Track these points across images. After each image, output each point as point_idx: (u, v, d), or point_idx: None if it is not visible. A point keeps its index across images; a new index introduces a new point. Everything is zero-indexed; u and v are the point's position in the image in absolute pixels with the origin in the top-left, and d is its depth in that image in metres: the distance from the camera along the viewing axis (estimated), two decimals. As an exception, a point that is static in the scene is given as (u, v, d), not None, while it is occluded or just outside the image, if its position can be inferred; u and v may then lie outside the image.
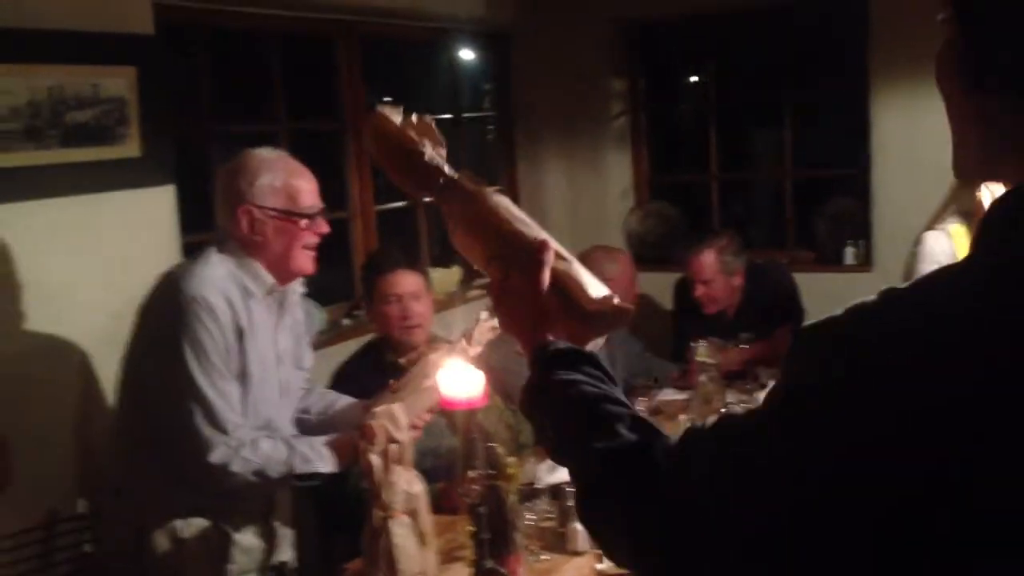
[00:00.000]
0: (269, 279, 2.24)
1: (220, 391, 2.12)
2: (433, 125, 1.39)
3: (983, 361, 0.75)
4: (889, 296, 0.82)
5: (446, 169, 1.36)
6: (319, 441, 2.25)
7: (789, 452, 0.81)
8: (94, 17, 2.73)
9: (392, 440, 1.96)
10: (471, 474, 1.97)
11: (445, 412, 2.86)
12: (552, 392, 1.09)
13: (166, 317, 2.14)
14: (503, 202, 1.30)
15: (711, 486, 0.86)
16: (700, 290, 3.79)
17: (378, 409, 2.00)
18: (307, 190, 2.25)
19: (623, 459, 0.96)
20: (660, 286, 4.76)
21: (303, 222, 2.23)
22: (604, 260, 3.32)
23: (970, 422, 0.75)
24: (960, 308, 0.78)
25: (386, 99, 5.23)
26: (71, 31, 2.67)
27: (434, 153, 1.35)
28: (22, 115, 2.53)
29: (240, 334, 2.17)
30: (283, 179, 2.22)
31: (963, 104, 0.86)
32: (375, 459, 1.91)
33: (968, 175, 0.95)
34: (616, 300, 1.23)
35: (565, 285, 1.20)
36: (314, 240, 2.28)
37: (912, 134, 4.13)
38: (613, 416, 1.01)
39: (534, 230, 1.25)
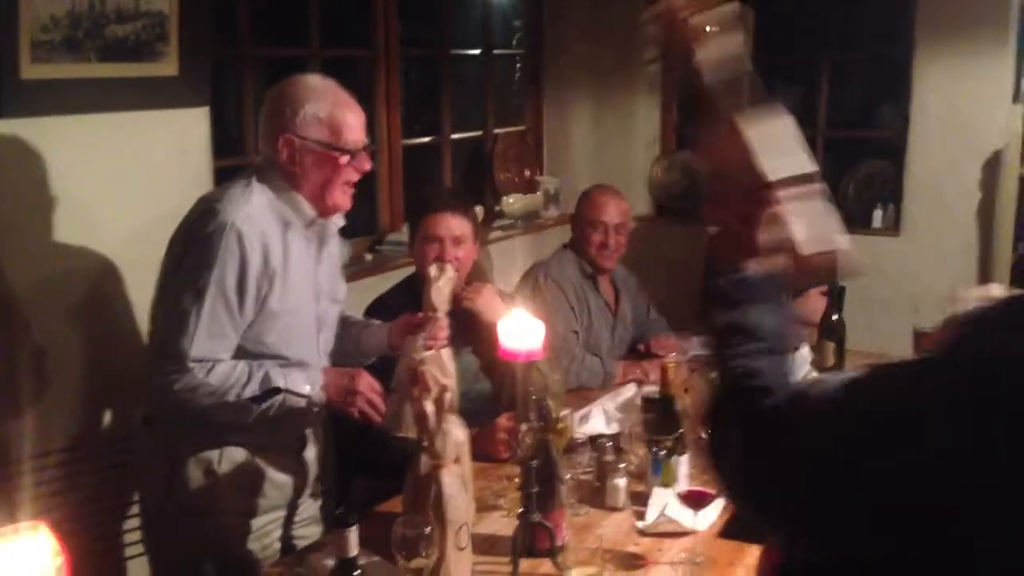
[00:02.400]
0: (310, 212, 2.17)
1: (210, 320, 2.03)
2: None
3: None
4: None
5: None
6: (313, 371, 2.19)
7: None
8: (136, -74, 2.61)
9: (442, 387, 1.91)
10: (524, 427, 1.92)
11: (479, 355, 2.85)
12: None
13: (198, 241, 2.07)
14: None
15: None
16: None
17: (426, 355, 1.94)
18: (353, 125, 2.16)
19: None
20: (682, 240, 4.72)
21: (344, 158, 2.15)
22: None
23: None
24: None
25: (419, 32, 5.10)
26: (114, -61, 2.55)
27: None
28: (62, 26, 2.43)
29: (269, 270, 2.10)
30: (328, 110, 2.13)
31: None
32: (429, 407, 1.86)
33: None
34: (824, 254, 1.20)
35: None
36: (355, 176, 2.20)
37: (953, 99, 4.06)
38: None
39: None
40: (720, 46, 1.31)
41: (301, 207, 2.16)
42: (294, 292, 2.16)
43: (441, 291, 2.01)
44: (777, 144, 1.23)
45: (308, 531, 2.35)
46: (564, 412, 2.06)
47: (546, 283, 3.34)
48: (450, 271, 2.07)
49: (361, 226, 3.94)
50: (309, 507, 2.38)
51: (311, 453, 2.36)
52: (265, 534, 2.23)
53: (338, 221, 2.31)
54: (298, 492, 2.31)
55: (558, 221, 4.72)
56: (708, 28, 1.31)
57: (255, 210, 2.10)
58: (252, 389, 2.06)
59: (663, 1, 1.32)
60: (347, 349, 2.47)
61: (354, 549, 1.53)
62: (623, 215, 3.43)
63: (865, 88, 4.91)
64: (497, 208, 4.53)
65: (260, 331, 2.13)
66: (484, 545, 2.07)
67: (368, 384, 2.17)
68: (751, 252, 1.18)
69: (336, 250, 2.39)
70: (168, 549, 2.25)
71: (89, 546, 2.51)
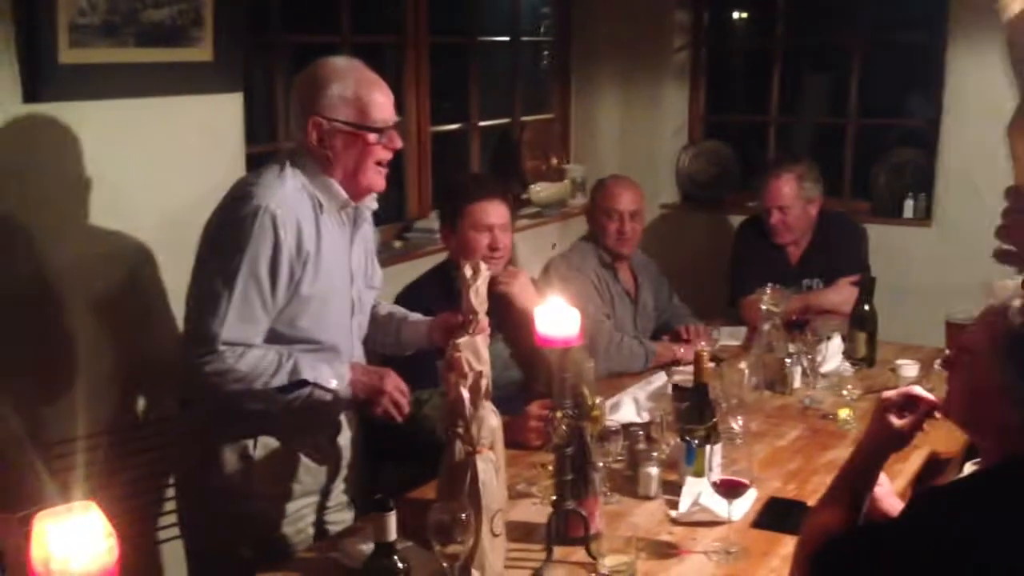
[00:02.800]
0: (342, 195, 2.16)
1: (242, 303, 2.03)
2: None
3: None
4: None
5: None
6: (341, 365, 2.19)
7: None
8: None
9: (477, 374, 1.91)
10: (559, 414, 1.92)
11: (510, 343, 2.85)
12: None
13: (232, 224, 2.07)
14: None
15: None
16: (776, 217, 3.69)
17: (461, 341, 1.94)
18: (380, 103, 2.14)
19: None
20: (708, 229, 4.70)
21: (372, 136, 2.13)
22: None
23: None
24: None
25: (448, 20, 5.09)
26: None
27: None
28: (99, 10, 2.44)
29: (303, 255, 2.09)
30: (354, 90, 2.11)
31: None
32: (465, 393, 1.86)
33: None
34: None
35: None
36: (387, 156, 2.18)
37: (988, 88, 3.98)
38: None
39: None
40: None
41: (334, 190, 2.16)
42: (327, 276, 2.16)
43: (479, 292, 2.00)
44: None
45: (340, 516, 2.35)
46: (598, 400, 2.04)
47: (569, 272, 3.34)
48: (484, 269, 2.06)
49: (390, 213, 3.95)
50: (341, 492, 2.38)
51: (345, 438, 2.37)
52: (300, 518, 2.23)
53: (371, 204, 2.31)
54: (331, 477, 2.31)
55: (585, 209, 4.71)
56: None
57: (289, 194, 2.10)
58: (280, 379, 2.06)
59: None
60: (385, 340, 2.47)
61: (393, 533, 1.54)
62: (637, 202, 3.46)
63: (897, 76, 4.87)
64: (524, 196, 4.53)
65: (293, 315, 2.13)
66: (517, 532, 2.07)
67: (395, 384, 2.18)
68: None
69: (370, 234, 2.38)
70: (202, 532, 2.26)
71: (126, 529, 2.52)
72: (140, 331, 2.67)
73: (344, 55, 2.24)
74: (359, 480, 2.49)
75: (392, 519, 1.54)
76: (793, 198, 3.65)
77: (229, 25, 2.75)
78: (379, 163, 2.17)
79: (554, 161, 4.77)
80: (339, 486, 2.36)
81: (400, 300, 2.85)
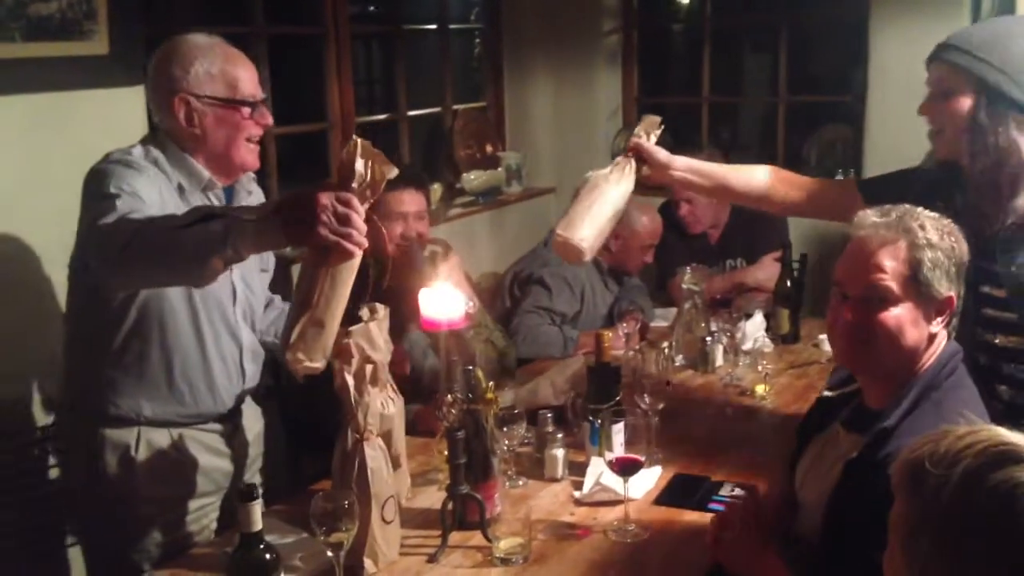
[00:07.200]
0: (204, 174, 2.08)
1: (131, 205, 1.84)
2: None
3: None
4: None
5: None
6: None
7: None
8: (60, -99, 2.56)
9: (368, 360, 1.88)
10: (449, 397, 1.90)
11: (429, 332, 2.81)
12: None
13: (90, 179, 1.99)
14: None
15: None
16: (684, 209, 3.72)
17: (353, 328, 1.91)
18: (246, 78, 2.09)
19: None
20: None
21: (246, 110, 2.07)
22: None
23: None
24: None
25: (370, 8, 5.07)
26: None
27: None
28: (-18, 5, 2.38)
29: None
30: (220, 65, 2.05)
31: None
32: (349, 379, 1.83)
33: None
34: None
35: None
36: (258, 132, 2.12)
37: (911, 62, 3.96)
38: None
39: None
40: None
41: (195, 170, 2.07)
42: None
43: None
44: None
45: (253, 511, 2.30)
46: (491, 383, 2.02)
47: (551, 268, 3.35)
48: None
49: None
50: (257, 487, 2.33)
51: (253, 431, 2.32)
52: (203, 515, 2.18)
53: (249, 186, 2.24)
54: (233, 475, 2.24)
55: (521, 196, 4.69)
56: None
57: (142, 161, 2.02)
58: (185, 220, 1.74)
59: None
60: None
61: (258, 524, 1.50)
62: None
63: (830, 53, 4.88)
64: (458, 185, 4.49)
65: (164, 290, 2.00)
66: (419, 519, 2.05)
67: (333, 195, 1.60)
68: None
69: None
70: (96, 539, 2.19)
71: (25, 536, 2.48)
72: (25, 331, 2.58)
73: (203, 32, 2.12)
74: (277, 473, 2.45)
75: (256, 509, 1.50)
76: None
77: (124, 17, 2.70)
78: (250, 140, 2.11)
79: (488, 149, 4.74)
80: (251, 480, 2.32)
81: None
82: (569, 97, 4.89)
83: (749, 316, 3.13)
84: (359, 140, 1.66)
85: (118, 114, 2.76)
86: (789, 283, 3.23)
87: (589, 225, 2.09)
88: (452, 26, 4.65)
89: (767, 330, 3.13)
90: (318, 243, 1.59)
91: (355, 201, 1.60)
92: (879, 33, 4.10)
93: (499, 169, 4.65)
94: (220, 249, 1.63)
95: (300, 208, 1.59)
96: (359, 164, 1.64)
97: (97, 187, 1.93)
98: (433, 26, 4.55)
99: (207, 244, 1.64)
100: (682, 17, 5.31)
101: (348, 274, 1.69)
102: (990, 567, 1.01)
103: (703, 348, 3.00)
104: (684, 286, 3.10)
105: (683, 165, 2.28)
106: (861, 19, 4.15)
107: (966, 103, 2.01)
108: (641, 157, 2.23)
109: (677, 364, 3.03)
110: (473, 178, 4.50)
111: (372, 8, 4.85)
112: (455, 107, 4.62)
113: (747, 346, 3.01)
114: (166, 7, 3.20)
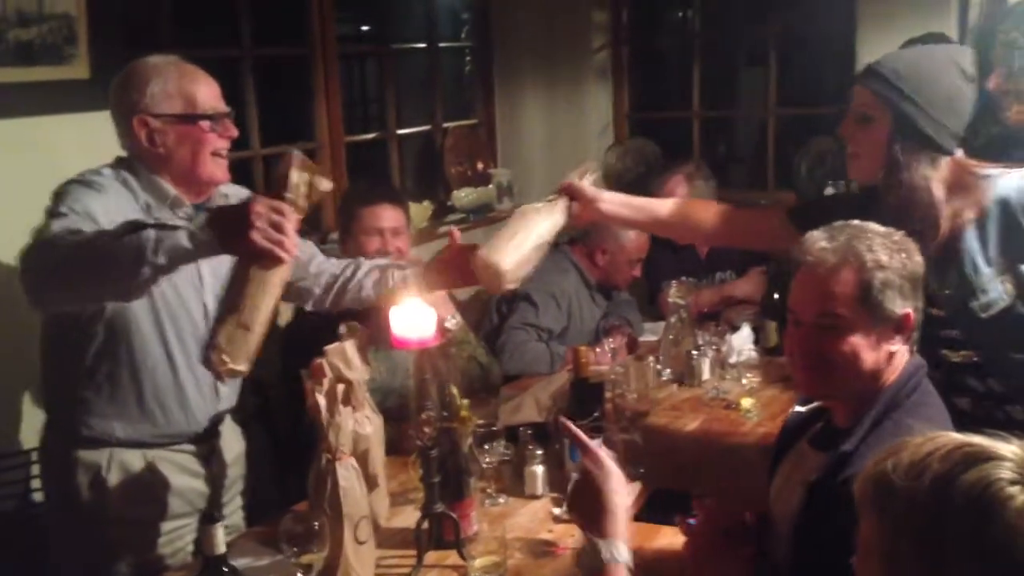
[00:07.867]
0: (170, 192, 2.08)
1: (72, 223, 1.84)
2: None
3: None
4: None
5: None
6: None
7: None
8: (39, -72, 2.58)
9: (341, 379, 1.87)
10: (423, 416, 1.89)
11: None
12: None
13: (53, 201, 1.96)
14: None
15: None
16: None
17: (328, 348, 1.91)
18: (205, 92, 2.08)
19: None
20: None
21: (206, 124, 2.06)
22: None
23: None
24: None
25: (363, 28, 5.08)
26: (13, -59, 2.52)
27: None
28: (-40, 31, 2.40)
29: None
30: (176, 82, 2.05)
31: None
32: (321, 399, 1.82)
33: None
34: None
35: None
36: (223, 144, 2.11)
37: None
38: None
39: None
40: None
41: (162, 189, 2.07)
42: (166, 284, 1.99)
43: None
44: None
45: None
46: (465, 401, 2.01)
47: (556, 269, 3.37)
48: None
49: (305, 225, 3.89)
50: (234, 508, 2.33)
51: (233, 452, 2.31)
52: (177, 538, 2.16)
53: (221, 201, 2.19)
54: (210, 497, 2.22)
55: (512, 213, 4.68)
56: None
57: (108, 182, 2.02)
58: (117, 232, 1.74)
59: None
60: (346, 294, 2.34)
61: (221, 547, 1.50)
62: None
63: (813, 66, 4.89)
64: (449, 203, 4.50)
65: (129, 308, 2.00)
66: (397, 539, 2.04)
67: (267, 203, 1.65)
68: None
69: None
70: (70, 560, 2.16)
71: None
72: (18, 360, 2.59)
73: (162, 54, 2.13)
74: (264, 494, 2.44)
75: (219, 532, 1.50)
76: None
77: (105, 41, 2.71)
78: (216, 153, 2.10)
79: (480, 166, 4.75)
80: (230, 502, 2.31)
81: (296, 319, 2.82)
82: (560, 113, 4.90)
83: (736, 329, 3.12)
84: (295, 153, 1.75)
85: (99, 138, 2.71)
86: (776, 295, 3.22)
87: (513, 252, 2.08)
88: (442, 44, 4.67)
89: (755, 343, 3.12)
90: (251, 249, 1.63)
91: (288, 210, 1.66)
92: (866, 43, 4.10)
93: (490, 186, 4.65)
94: (149, 258, 1.64)
95: (234, 216, 1.65)
96: (293, 176, 1.71)
97: (52, 205, 1.94)
98: (423, 44, 4.57)
99: (135, 252, 1.65)
100: (672, 32, 5.32)
101: (277, 281, 1.73)
102: (981, 568, 1.00)
103: (690, 362, 2.99)
104: (670, 300, 3.10)
105: (611, 198, 2.31)
106: (848, 30, 4.15)
107: (883, 132, 1.94)
108: (572, 195, 2.23)
109: (664, 378, 3.02)
110: (464, 195, 4.50)
111: (363, 28, 4.86)
112: (445, 125, 4.63)
113: (734, 359, 3.00)
114: (148, 31, 3.21)
